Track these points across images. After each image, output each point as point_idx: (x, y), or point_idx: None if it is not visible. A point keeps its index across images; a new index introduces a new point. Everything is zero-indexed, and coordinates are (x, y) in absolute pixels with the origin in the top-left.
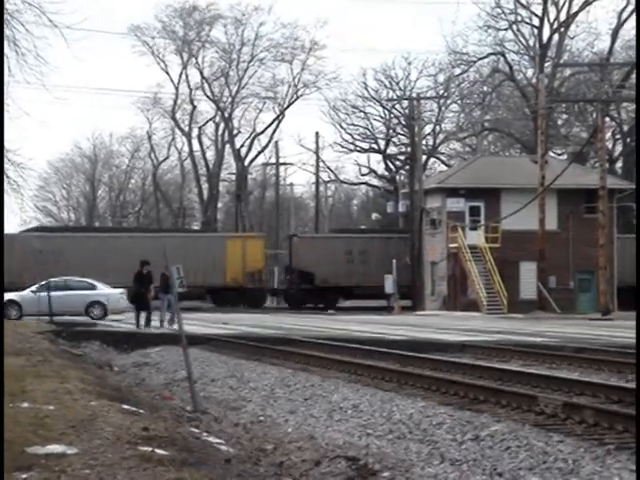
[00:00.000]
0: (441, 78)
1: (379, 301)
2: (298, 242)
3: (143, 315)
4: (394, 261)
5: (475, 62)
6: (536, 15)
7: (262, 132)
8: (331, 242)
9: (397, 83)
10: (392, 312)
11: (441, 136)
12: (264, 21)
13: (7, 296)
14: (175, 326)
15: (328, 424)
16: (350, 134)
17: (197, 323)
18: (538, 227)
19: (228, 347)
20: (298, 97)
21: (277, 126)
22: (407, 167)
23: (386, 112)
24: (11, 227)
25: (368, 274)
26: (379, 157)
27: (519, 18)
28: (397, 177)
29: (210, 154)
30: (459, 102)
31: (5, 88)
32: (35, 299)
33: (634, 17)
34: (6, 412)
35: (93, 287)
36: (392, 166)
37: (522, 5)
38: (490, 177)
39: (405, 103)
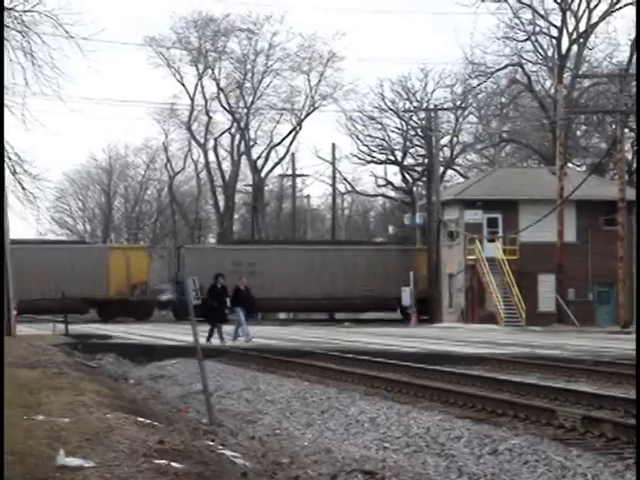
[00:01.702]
0: (458, 89)
1: (278, 313)
2: (186, 253)
3: (213, 329)
4: (411, 273)
5: (493, 73)
6: (555, 26)
7: (279, 143)
8: (219, 253)
9: (414, 94)
10: (409, 324)
11: (458, 147)
12: (277, 31)
13: None
14: (244, 339)
15: (345, 437)
16: (367, 145)
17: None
18: (557, 239)
19: (244, 359)
20: (315, 108)
21: (294, 137)
22: (424, 179)
23: (403, 123)
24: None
25: (259, 285)
26: (396, 169)
27: (537, 29)
28: (414, 189)
29: (226, 165)
30: (477, 113)
31: (22, 99)
32: None
33: None
34: (21, 425)
35: None
36: (409, 178)
37: (540, 16)
38: (508, 189)
39: (422, 114)
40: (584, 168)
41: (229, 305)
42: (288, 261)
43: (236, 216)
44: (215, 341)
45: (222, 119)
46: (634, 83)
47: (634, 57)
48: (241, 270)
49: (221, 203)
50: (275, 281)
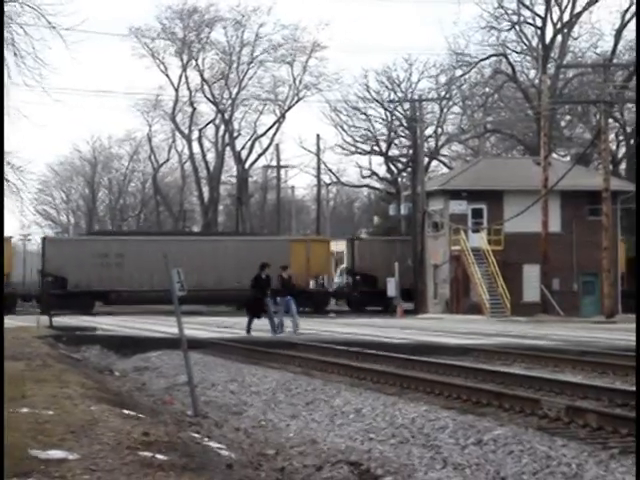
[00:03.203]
0: (443, 79)
1: (143, 306)
2: (50, 245)
3: (256, 320)
4: (396, 264)
5: (477, 63)
6: (539, 16)
7: (263, 134)
8: (84, 245)
9: (399, 85)
10: (395, 315)
11: (443, 138)
12: (264, 22)
13: None
14: (292, 330)
15: (330, 429)
16: (351, 136)
17: (197, 327)
18: (541, 229)
19: (228, 351)
20: (299, 99)
21: (278, 128)
22: (409, 169)
23: (388, 114)
24: (10, 231)
25: (127, 277)
26: (381, 159)
27: (522, 19)
28: (399, 179)
29: (211, 157)
30: (461, 104)
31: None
32: None
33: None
34: (5, 417)
35: None
36: (394, 168)
37: (525, 6)
38: (492, 179)
39: (407, 105)
40: (568, 158)
41: (269, 295)
42: (157, 252)
43: (221, 207)
44: (254, 333)
45: (206, 110)
46: (618, 73)
47: (618, 47)
48: (109, 262)
49: (205, 194)
50: (143, 273)
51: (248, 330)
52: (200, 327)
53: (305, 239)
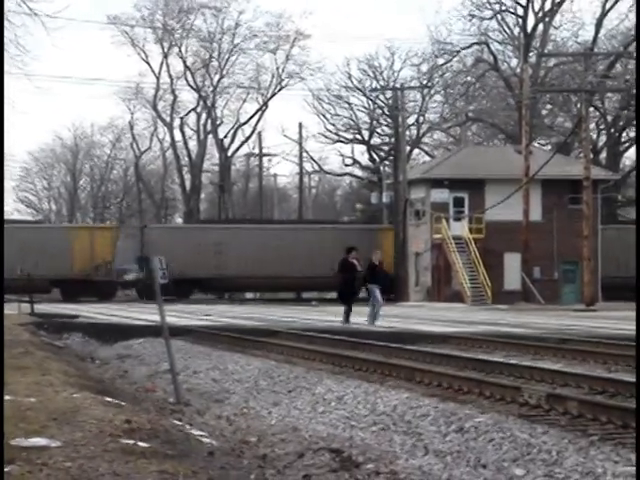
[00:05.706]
0: (425, 68)
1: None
2: None
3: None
4: (378, 252)
5: (459, 52)
6: (520, 4)
7: (245, 122)
8: None
9: (381, 73)
10: None
11: (425, 126)
12: (244, 9)
13: None
14: (377, 322)
15: (312, 416)
16: (334, 124)
17: (177, 314)
18: (522, 218)
19: (211, 339)
20: (282, 87)
21: (260, 116)
22: (391, 158)
23: (370, 102)
24: None
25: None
26: (363, 148)
27: (503, 7)
28: (381, 168)
29: (193, 144)
30: (443, 92)
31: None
32: None
33: (618, 7)
34: None
35: None
36: (376, 157)
37: None
38: (474, 168)
39: (389, 93)
40: (549, 147)
41: (362, 283)
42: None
43: (203, 195)
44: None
45: (188, 97)
46: (599, 62)
47: (599, 36)
48: None
49: (188, 182)
50: None
51: (346, 319)
52: (179, 314)
53: (89, 227)
